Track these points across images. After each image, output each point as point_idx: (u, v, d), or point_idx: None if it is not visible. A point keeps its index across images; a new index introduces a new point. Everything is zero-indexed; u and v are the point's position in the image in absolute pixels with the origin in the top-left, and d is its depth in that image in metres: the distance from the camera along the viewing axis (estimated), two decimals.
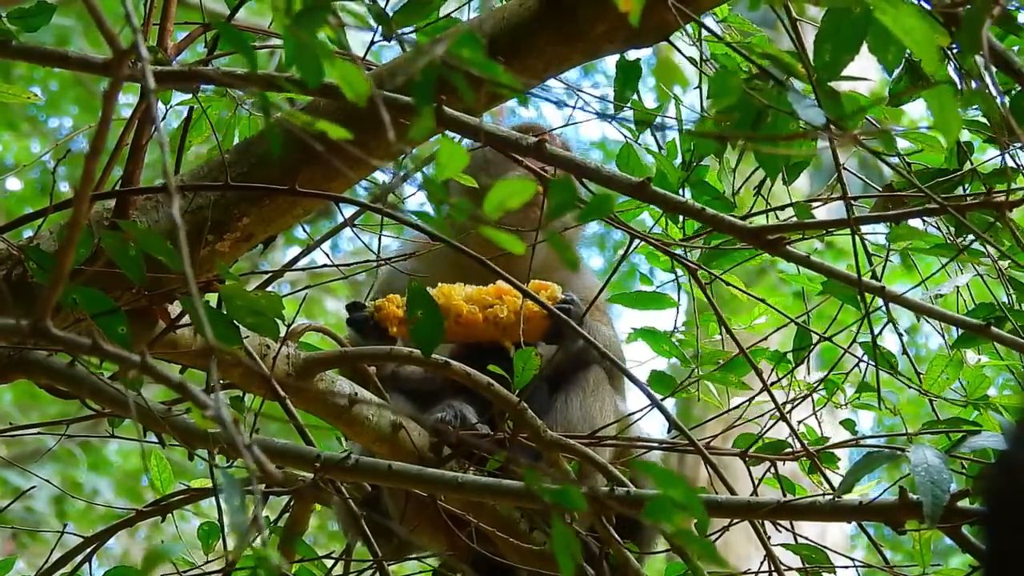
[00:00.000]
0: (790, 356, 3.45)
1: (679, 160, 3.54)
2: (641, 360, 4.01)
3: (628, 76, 3.47)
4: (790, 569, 3.37)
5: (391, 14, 3.28)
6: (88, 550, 3.84)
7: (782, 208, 3.45)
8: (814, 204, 3.36)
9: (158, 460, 3.83)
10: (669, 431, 3.39)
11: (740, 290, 3.50)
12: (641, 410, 3.54)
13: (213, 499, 4.22)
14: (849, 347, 3.41)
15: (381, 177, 3.87)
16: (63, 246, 2.00)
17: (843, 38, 2.60)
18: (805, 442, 3.34)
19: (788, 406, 3.42)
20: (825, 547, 3.43)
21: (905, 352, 3.49)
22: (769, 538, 3.17)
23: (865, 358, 3.47)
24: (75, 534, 3.98)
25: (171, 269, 2.79)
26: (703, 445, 3.23)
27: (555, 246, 2.26)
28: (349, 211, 3.80)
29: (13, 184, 10.32)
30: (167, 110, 3.47)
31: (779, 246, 2.71)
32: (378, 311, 3.60)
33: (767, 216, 3.46)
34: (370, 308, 3.62)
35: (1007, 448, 1.77)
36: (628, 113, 3.53)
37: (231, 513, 1.92)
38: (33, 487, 4.44)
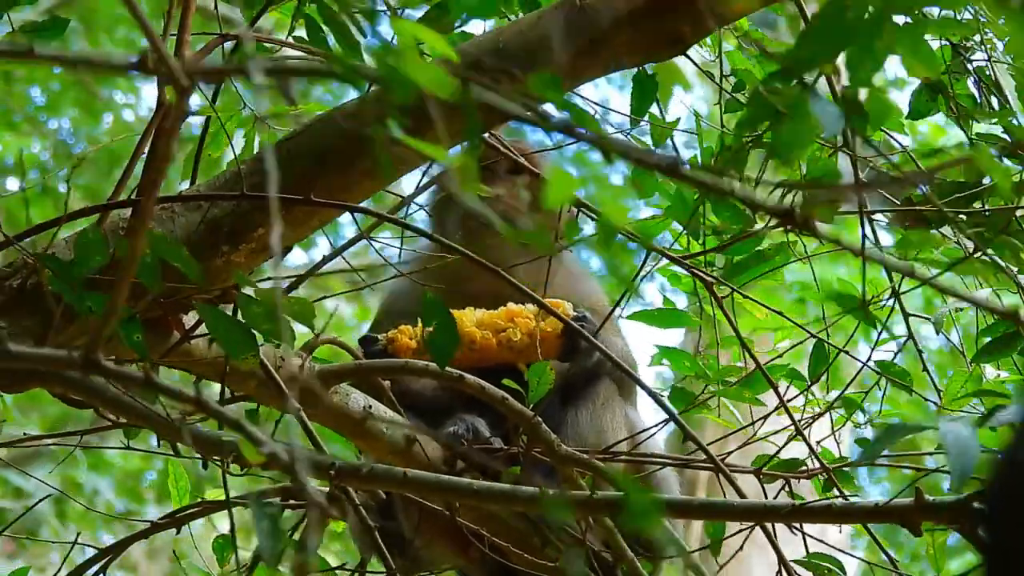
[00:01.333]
0: (806, 373, 3.44)
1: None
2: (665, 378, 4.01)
3: (645, 90, 3.47)
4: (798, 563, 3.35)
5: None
6: (103, 562, 3.83)
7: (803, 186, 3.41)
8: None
9: (175, 469, 3.83)
10: (684, 442, 3.38)
11: (758, 303, 3.49)
12: (656, 425, 3.53)
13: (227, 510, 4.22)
14: (867, 362, 3.41)
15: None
16: (121, 277, 1.99)
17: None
18: (822, 460, 3.33)
19: (805, 424, 3.42)
20: (827, 543, 3.41)
21: (925, 369, 3.49)
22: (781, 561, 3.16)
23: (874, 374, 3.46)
24: (88, 545, 3.97)
25: (186, 279, 2.78)
26: (719, 460, 3.22)
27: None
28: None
29: (13, 184, 10.30)
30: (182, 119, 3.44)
31: (810, 223, 2.67)
32: (391, 343, 3.58)
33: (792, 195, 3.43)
34: (383, 341, 3.60)
35: (1009, 445, 1.77)
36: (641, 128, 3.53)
37: (262, 539, 1.91)
38: (47, 496, 4.43)
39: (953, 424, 2.40)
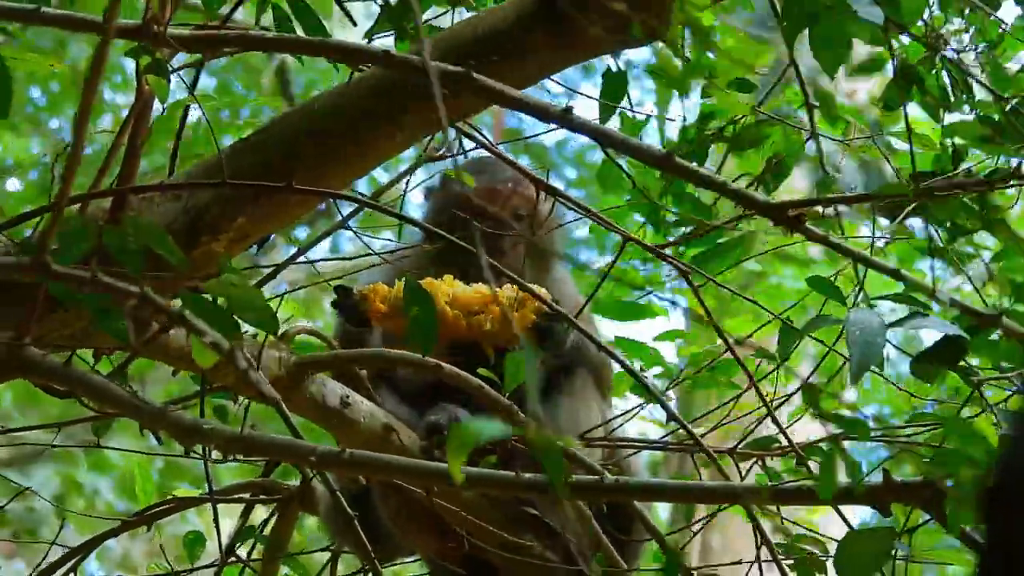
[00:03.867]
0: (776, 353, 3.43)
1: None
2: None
3: (614, 86, 3.46)
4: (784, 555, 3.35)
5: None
6: (71, 562, 3.85)
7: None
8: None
9: (142, 471, 3.85)
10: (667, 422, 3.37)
11: (733, 292, 3.50)
12: (637, 407, 3.55)
13: (199, 507, 4.25)
14: (834, 344, 3.41)
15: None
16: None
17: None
18: (790, 438, 3.33)
19: (775, 404, 3.41)
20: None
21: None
22: (762, 538, 3.15)
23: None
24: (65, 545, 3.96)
25: (166, 268, 2.78)
26: (693, 443, 3.22)
27: None
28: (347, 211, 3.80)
29: (13, 184, 10.32)
30: (163, 109, 3.45)
31: (799, 223, 2.67)
32: (364, 299, 3.53)
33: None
34: (357, 296, 3.57)
35: (1009, 442, 1.77)
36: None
37: None
38: (66, 516, 4.46)
39: (863, 314, 2.40)
